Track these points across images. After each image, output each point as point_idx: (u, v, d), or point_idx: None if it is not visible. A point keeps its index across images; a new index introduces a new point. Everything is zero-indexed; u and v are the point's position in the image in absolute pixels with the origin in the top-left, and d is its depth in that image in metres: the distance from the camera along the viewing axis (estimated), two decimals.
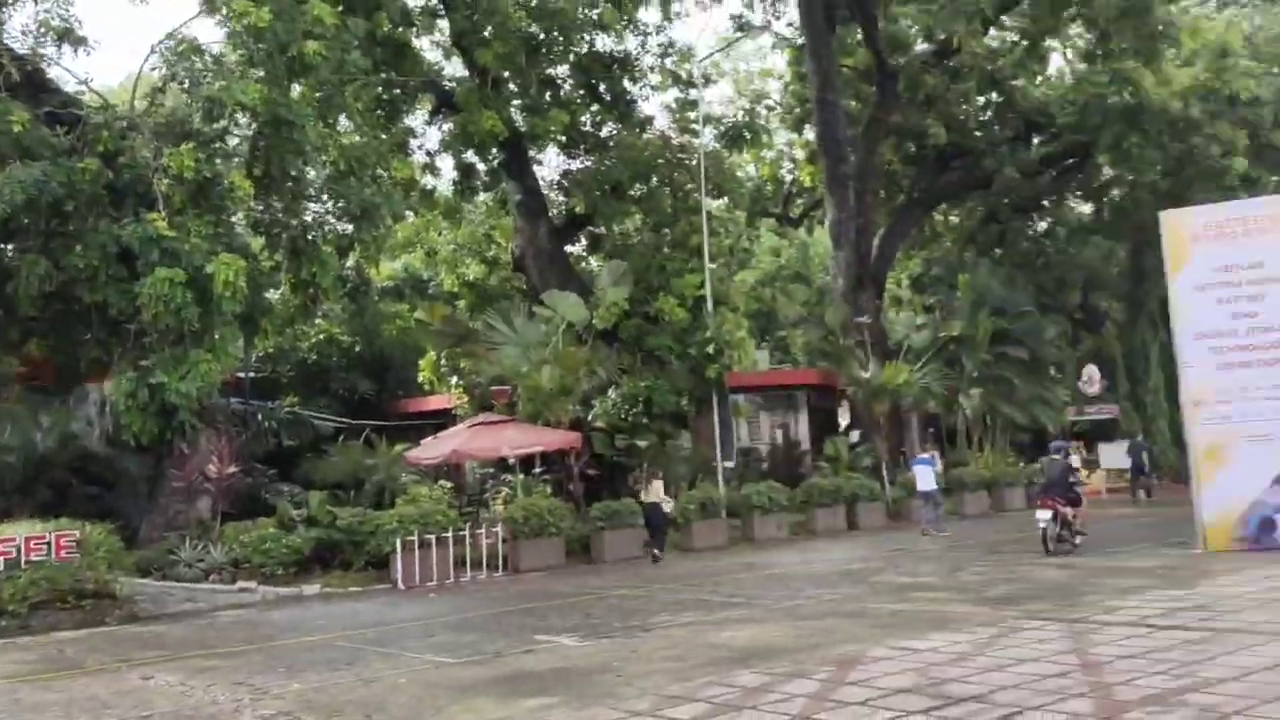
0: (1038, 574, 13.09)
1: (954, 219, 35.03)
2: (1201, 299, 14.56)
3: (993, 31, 28.08)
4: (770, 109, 33.19)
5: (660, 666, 8.37)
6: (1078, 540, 15.33)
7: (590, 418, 20.97)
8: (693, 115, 24.78)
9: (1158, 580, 11.75)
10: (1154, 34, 23.87)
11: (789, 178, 34.43)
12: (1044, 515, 15.07)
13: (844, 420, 27.56)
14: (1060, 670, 7.35)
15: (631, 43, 23.93)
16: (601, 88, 23.53)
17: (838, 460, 23.31)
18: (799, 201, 35.04)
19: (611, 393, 21.19)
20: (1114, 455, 28.17)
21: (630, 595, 13.23)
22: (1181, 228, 15.07)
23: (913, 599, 11.48)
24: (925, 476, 19.94)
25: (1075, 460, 25.32)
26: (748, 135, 27.02)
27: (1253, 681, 6.57)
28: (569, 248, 25.47)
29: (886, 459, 23.68)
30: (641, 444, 20.57)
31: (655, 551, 17.16)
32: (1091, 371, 29.17)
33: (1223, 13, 31.50)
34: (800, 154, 33.11)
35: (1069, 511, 15.27)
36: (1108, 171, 30.18)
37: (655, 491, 17.55)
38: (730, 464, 22.18)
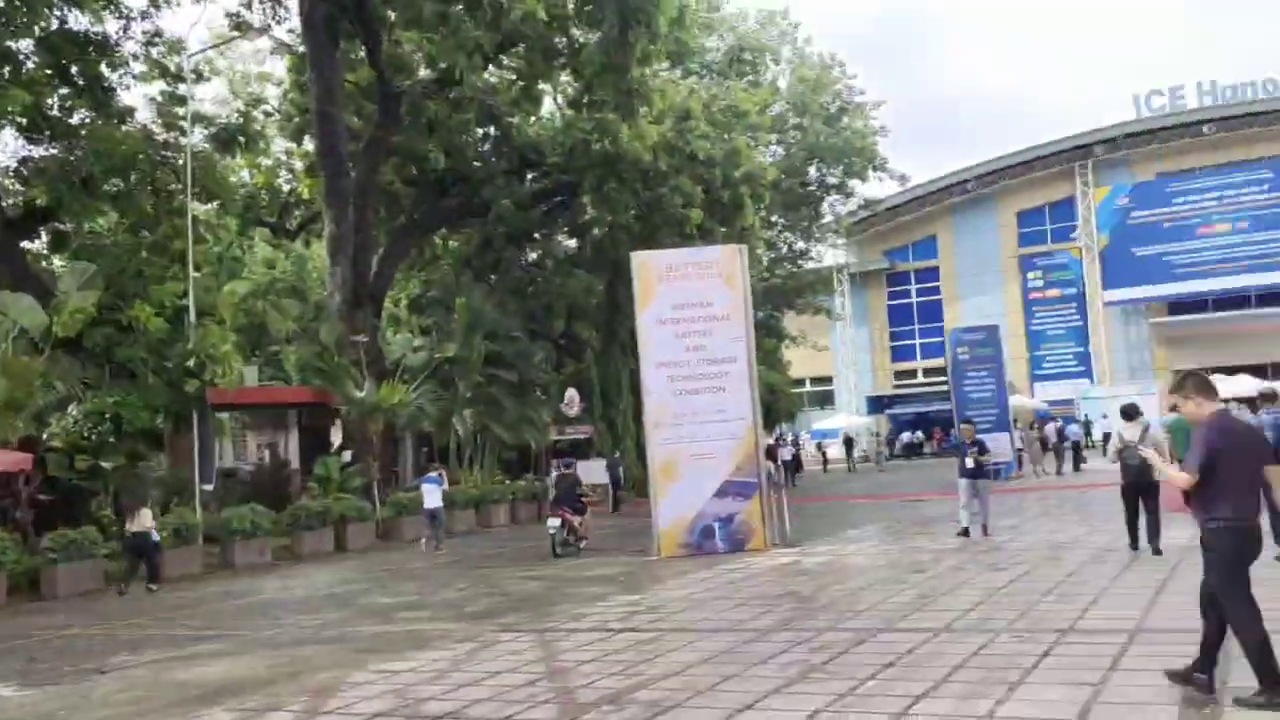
0: (516, 587, 13.82)
1: (453, 243, 36.04)
2: (662, 332, 16.36)
3: (492, 69, 29.40)
4: (269, 115, 31.90)
5: (116, 712, 7.64)
6: (582, 544, 17.37)
7: (46, 436, 18.64)
8: (181, 112, 23.05)
9: (619, 586, 12.94)
10: (630, 91, 26.45)
11: (287, 188, 33.30)
12: (554, 523, 17.11)
13: (336, 439, 27.08)
14: (530, 679, 7.81)
15: (112, 25, 21.77)
16: (74, 70, 21.09)
17: (328, 481, 22.84)
18: (297, 213, 34.00)
19: (73, 409, 19.00)
20: (592, 471, 30.57)
21: (86, 634, 11.92)
22: (649, 268, 16.81)
23: (396, 620, 11.57)
24: (433, 495, 20.27)
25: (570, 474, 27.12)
26: (242, 139, 25.73)
27: (691, 675, 7.46)
28: (26, 244, 22.48)
29: (379, 479, 23.65)
30: (107, 465, 18.65)
31: (122, 586, 15.67)
32: (572, 394, 31.40)
33: (686, 80, 35.77)
34: (299, 164, 32.17)
35: (576, 520, 17.35)
36: (590, 211, 32.83)
37: (143, 520, 16.00)
38: (209, 486, 20.83)
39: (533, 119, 33.20)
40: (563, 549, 16.93)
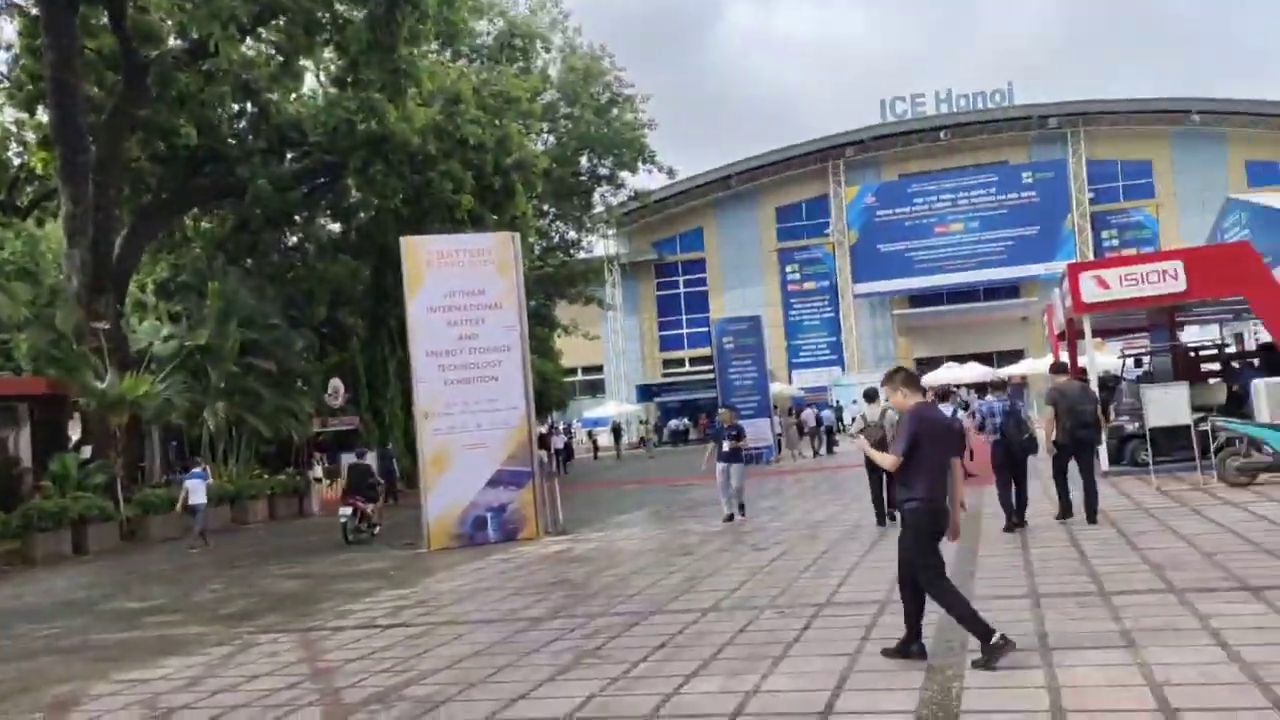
0: (276, 586, 13.20)
1: (206, 225, 33.95)
2: (433, 320, 16.02)
3: (250, 41, 27.84)
4: None
5: None
6: (376, 531, 18.02)
7: None
8: None
9: (387, 581, 12.59)
10: (398, 70, 25.68)
11: (17, 161, 30.35)
12: (346, 511, 17.65)
13: (75, 435, 25.00)
14: (291, 681, 7.46)
15: None
16: None
17: (65, 479, 21.02)
18: (29, 189, 31.04)
19: None
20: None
21: None
22: (419, 254, 16.41)
23: (144, 625, 10.79)
24: (198, 490, 19.56)
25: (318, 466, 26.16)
26: None
27: (463, 668, 7.33)
28: None
29: (123, 476, 22.01)
30: None
31: None
32: (336, 384, 30.32)
33: (456, 64, 35.15)
34: (32, 136, 29.36)
35: (368, 507, 17.82)
36: (356, 194, 31.71)
37: None
38: None
39: (294, 96, 31.72)
40: (354, 536, 17.44)
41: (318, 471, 27.71)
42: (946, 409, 17.46)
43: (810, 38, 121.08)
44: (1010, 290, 58.29)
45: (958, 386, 34.02)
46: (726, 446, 15.64)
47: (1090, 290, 17.42)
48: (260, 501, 25.23)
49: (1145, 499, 13.70)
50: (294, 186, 30.77)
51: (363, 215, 32.29)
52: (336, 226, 35.41)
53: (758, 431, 29.90)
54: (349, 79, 28.09)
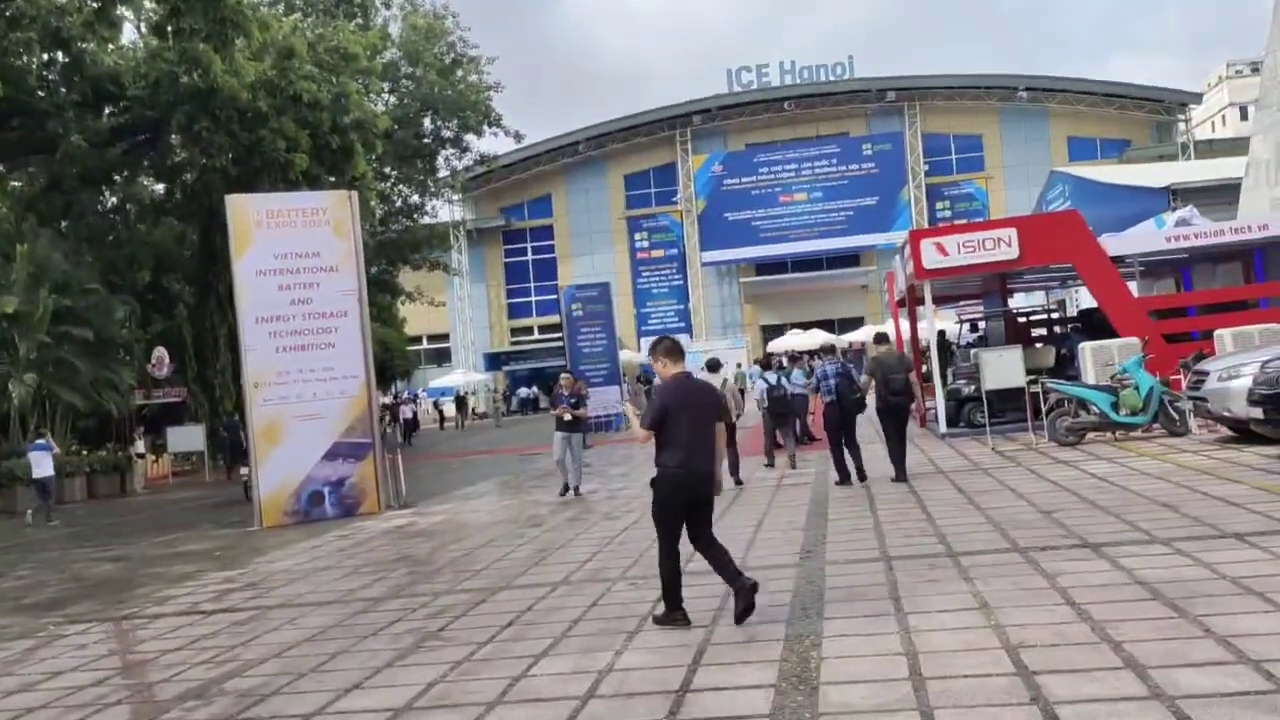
0: (91, 570, 12.20)
1: (15, 184, 31.34)
2: (263, 283, 15.08)
3: None
4: None
5: None
6: None
7: None
8: None
9: (214, 563, 11.78)
10: (224, 20, 24.14)
11: None
12: (245, 470, 17.11)
13: None
14: (100, 677, 6.76)
15: None
16: None
17: None
18: None
19: None
20: (186, 438, 28.04)
21: None
22: (246, 213, 15.40)
23: None
24: (43, 463, 18.55)
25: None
26: None
27: (292, 656, 6.77)
28: None
29: None
30: None
31: None
32: (161, 354, 28.60)
33: (290, 17, 33.39)
34: None
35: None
36: (181, 153, 29.80)
37: None
38: None
39: (111, 46, 29.48)
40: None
41: (140, 447, 26.06)
42: (799, 375, 17.57)
43: (660, 7, 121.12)
44: (851, 259, 59.82)
45: (799, 354, 34.50)
46: (567, 415, 14.93)
47: (931, 256, 17.80)
48: (78, 479, 23.57)
49: (983, 459, 14.06)
50: (112, 143, 28.66)
51: (189, 175, 30.37)
52: (160, 187, 33.24)
53: (608, 399, 29.74)
54: (170, 27, 26.25)
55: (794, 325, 54.79)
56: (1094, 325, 19.96)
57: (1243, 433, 13.02)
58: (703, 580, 7.67)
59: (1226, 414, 12.40)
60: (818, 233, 59.67)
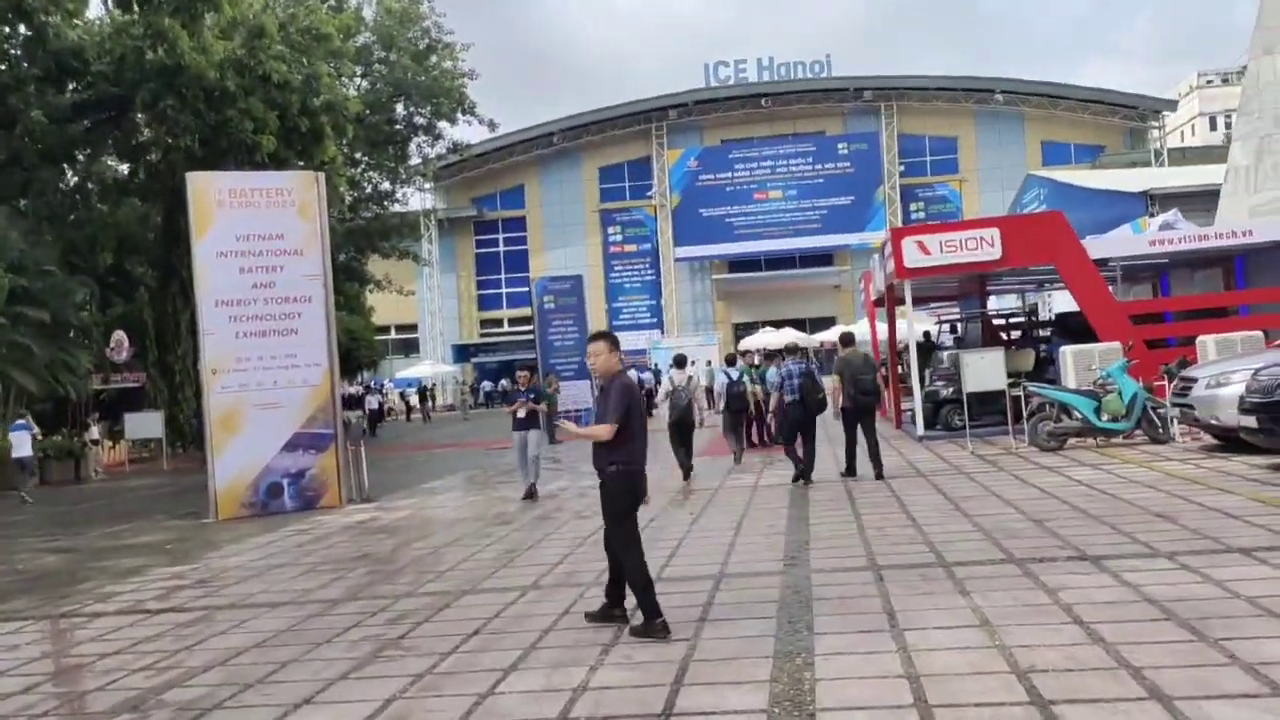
0: (33, 562, 11.60)
1: None
2: (224, 266, 14.48)
3: None
4: None
5: None
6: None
7: None
8: None
9: (164, 556, 11.21)
10: None
11: None
12: None
13: None
14: (29, 683, 6.23)
15: None
16: None
17: None
18: None
19: None
20: (143, 425, 27.25)
21: None
22: (207, 191, 14.79)
23: None
24: (23, 443, 19.32)
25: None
26: None
27: (239, 664, 6.28)
28: None
29: None
30: None
31: None
32: (120, 337, 27.82)
33: None
34: None
35: None
36: (146, 132, 28.99)
37: None
38: None
39: (76, 21, 28.59)
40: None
41: (94, 433, 25.29)
42: (774, 374, 17.17)
43: (639, 1, 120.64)
44: (824, 258, 59.61)
45: (775, 352, 34.09)
46: (522, 412, 14.01)
47: (913, 255, 17.46)
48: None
49: (963, 463, 13.72)
50: (74, 120, 27.82)
51: (153, 155, 29.55)
52: (124, 167, 32.37)
53: (579, 393, 29.26)
54: (136, 2, 25.46)
55: (766, 323, 54.49)
56: (1069, 329, 19.74)
57: (1229, 441, 12.77)
58: (683, 588, 7.23)
59: (1214, 422, 12.12)
60: (792, 231, 59.41)
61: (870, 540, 8.66)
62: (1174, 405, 13.32)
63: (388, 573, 9.17)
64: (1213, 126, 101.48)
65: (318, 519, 13.44)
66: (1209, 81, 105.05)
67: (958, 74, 61.19)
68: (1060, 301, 25.61)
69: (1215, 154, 43.57)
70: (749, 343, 46.48)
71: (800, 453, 12.82)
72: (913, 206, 60.26)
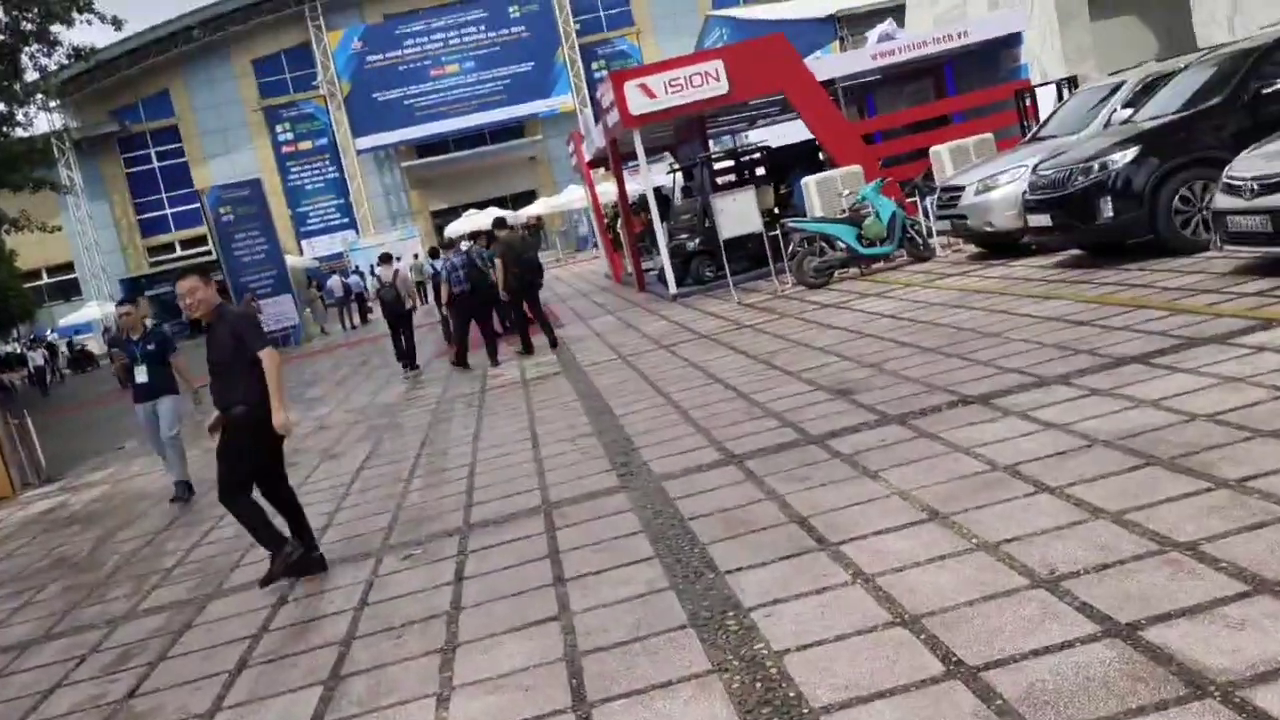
0: None
1: None
2: None
3: None
4: None
5: None
6: None
7: None
8: None
9: None
10: None
11: None
12: None
13: None
14: None
15: None
16: None
17: None
18: None
19: None
20: None
21: None
22: None
23: None
24: None
25: None
26: None
27: None
28: None
29: None
30: None
31: None
32: None
33: None
34: None
35: None
36: None
37: None
38: None
39: None
40: None
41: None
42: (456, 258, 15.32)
43: None
44: (515, 131, 57.29)
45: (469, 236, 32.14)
46: (141, 375, 9.06)
47: (638, 100, 15.98)
48: None
49: (739, 315, 12.65)
50: None
51: None
52: None
53: (280, 309, 26.23)
54: None
55: (467, 206, 51.95)
56: (779, 164, 19.21)
57: (994, 248, 12.43)
58: (509, 534, 5.55)
59: (989, 229, 11.61)
60: (476, 106, 56.46)
61: (703, 423, 7.26)
62: (941, 218, 12.78)
63: (92, 584, 6.87)
64: None
65: None
66: None
67: None
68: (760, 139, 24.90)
69: None
70: (455, 229, 44.03)
71: (468, 341, 13.74)
72: (594, 66, 58.61)
